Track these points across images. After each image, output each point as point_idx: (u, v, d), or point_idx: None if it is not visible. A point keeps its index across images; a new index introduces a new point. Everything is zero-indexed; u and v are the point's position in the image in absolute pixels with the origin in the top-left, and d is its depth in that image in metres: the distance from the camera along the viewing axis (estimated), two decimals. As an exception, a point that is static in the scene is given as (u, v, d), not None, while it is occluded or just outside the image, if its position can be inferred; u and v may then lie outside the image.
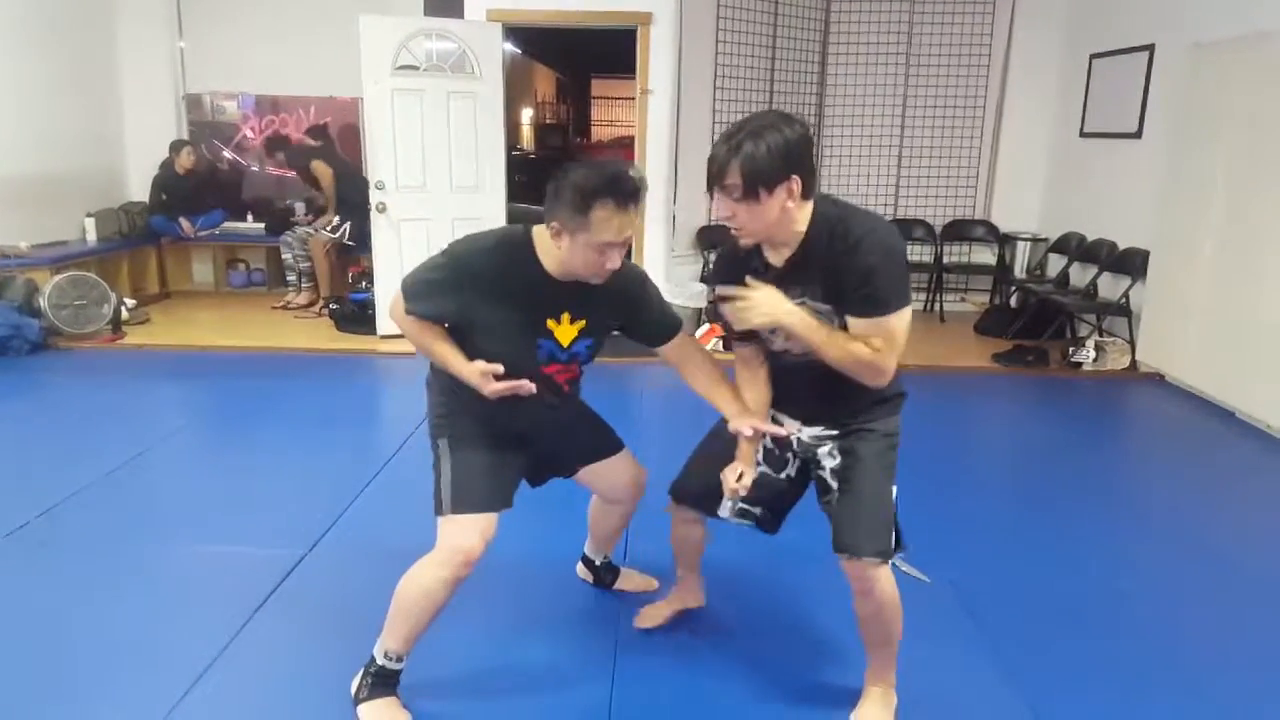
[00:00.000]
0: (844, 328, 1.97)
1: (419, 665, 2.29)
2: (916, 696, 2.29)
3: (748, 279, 1.99)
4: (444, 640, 2.43)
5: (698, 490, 2.36)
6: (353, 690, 2.22)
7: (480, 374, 2.04)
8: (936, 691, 2.35)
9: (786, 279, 1.99)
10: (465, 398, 2.18)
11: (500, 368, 2.03)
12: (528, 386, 2.04)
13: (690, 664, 2.49)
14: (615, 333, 2.28)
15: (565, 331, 2.15)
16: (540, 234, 2.09)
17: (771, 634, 2.65)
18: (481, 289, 2.06)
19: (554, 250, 2.04)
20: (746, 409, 2.14)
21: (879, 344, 1.93)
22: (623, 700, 2.32)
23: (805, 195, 1.91)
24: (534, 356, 2.13)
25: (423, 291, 2.09)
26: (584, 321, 2.16)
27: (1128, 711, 2.34)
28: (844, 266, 1.90)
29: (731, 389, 2.19)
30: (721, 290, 2.01)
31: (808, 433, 2.17)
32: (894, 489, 2.15)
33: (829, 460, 2.14)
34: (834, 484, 2.13)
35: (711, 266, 2.20)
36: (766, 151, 1.83)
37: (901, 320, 1.94)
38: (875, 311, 1.91)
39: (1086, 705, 2.35)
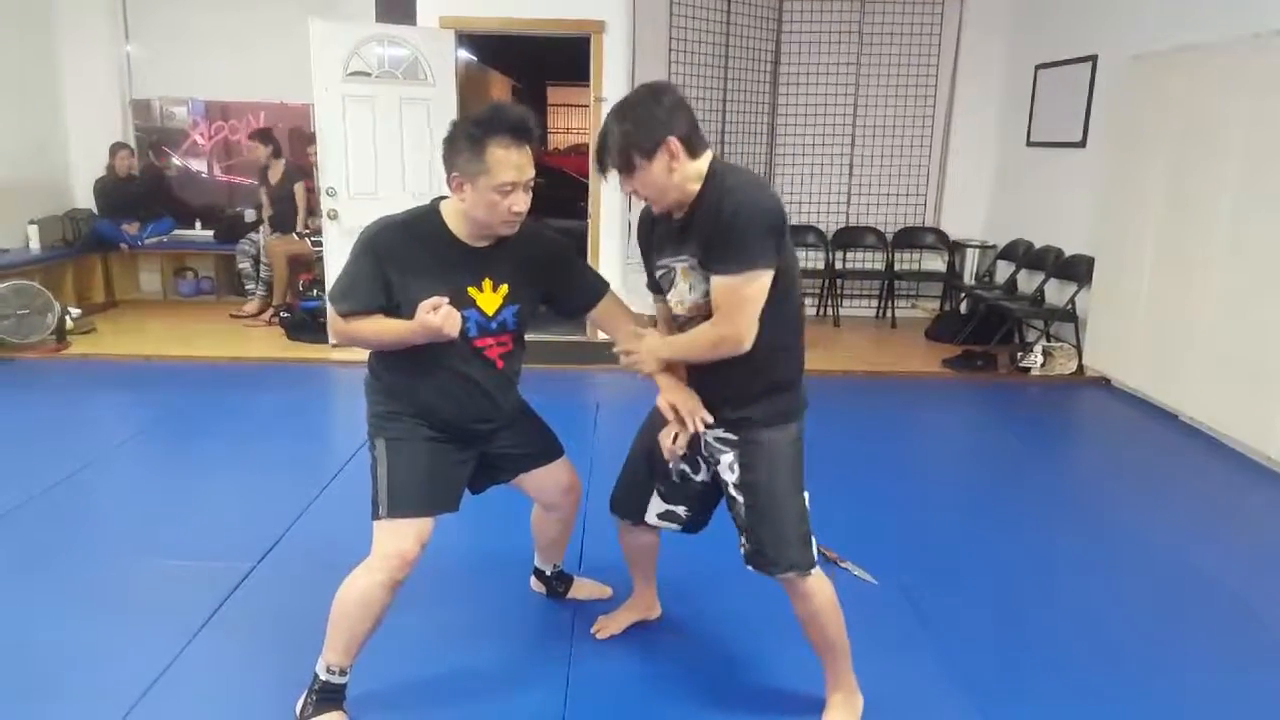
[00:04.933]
0: None
1: (368, 678, 2.27)
2: (866, 701, 2.30)
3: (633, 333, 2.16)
4: (394, 651, 2.42)
5: (623, 497, 2.41)
6: (297, 710, 2.19)
7: (425, 312, 1.96)
8: (886, 695, 2.36)
9: (680, 235, 2.06)
10: (406, 398, 2.17)
11: (443, 300, 1.98)
12: (455, 317, 1.99)
13: (645, 671, 2.49)
14: (543, 307, 2.30)
15: (489, 299, 2.14)
16: (448, 205, 2.11)
17: (727, 641, 2.66)
18: (399, 264, 2.06)
19: (460, 210, 2.06)
20: (674, 380, 2.14)
21: (725, 311, 1.95)
22: (577, 709, 2.32)
23: (691, 154, 1.97)
24: (461, 330, 2.08)
25: (347, 287, 2.08)
26: (506, 287, 2.16)
27: (1077, 713, 2.38)
28: (711, 221, 1.95)
29: None
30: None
31: (710, 434, 2.17)
32: (805, 496, 2.15)
33: (729, 475, 2.14)
34: (740, 498, 2.13)
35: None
36: (633, 124, 1.93)
37: (749, 283, 1.93)
38: (728, 267, 1.93)
39: (1036, 707, 2.39)
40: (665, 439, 2.17)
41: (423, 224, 2.12)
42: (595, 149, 2.02)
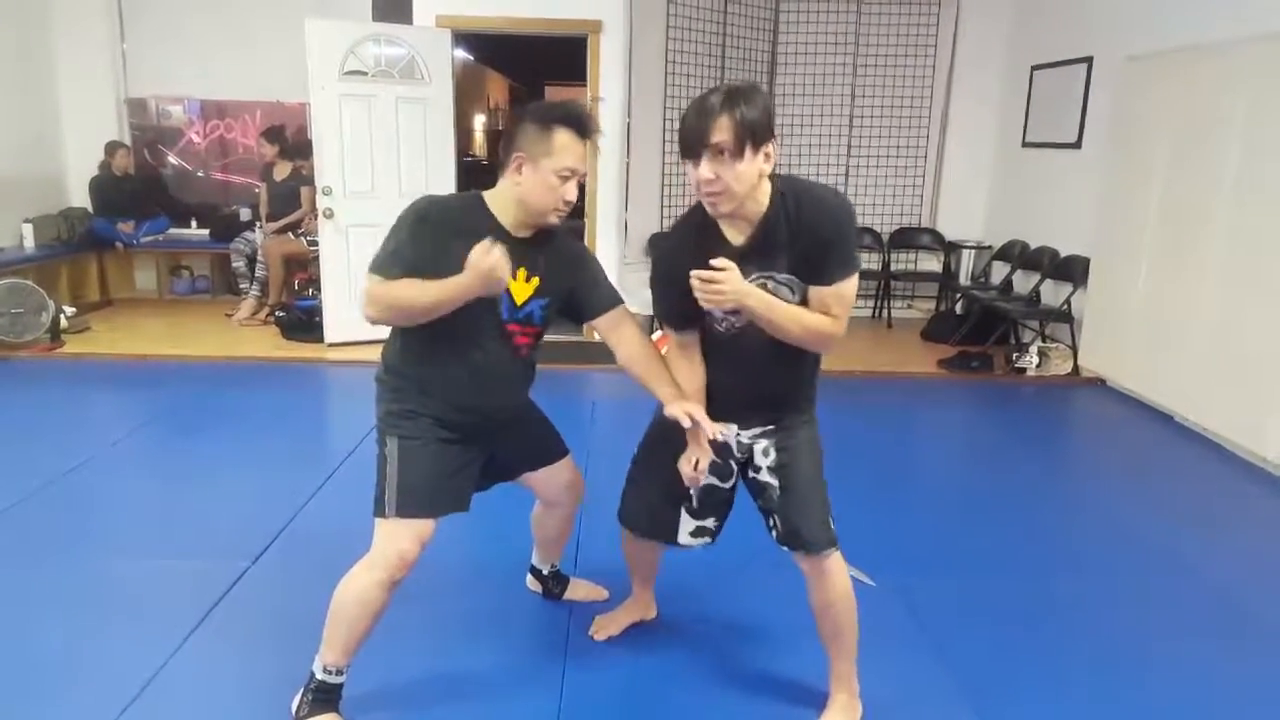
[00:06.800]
0: (804, 299, 2.01)
1: (364, 678, 2.26)
2: (864, 699, 2.30)
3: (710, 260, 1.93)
4: (390, 652, 2.42)
5: (648, 521, 2.38)
6: (293, 709, 2.18)
7: (479, 255, 1.92)
8: (883, 696, 2.36)
9: (748, 257, 1.99)
10: (425, 387, 2.16)
11: (496, 244, 1.93)
12: (506, 261, 1.95)
13: (642, 672, 2.49)
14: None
15: (520, 289, 2.15)
16: (492, 195, 2.14)
17: (724, 641, 2.66)
18: (443, 237, 2.06)
19: (512, 194, 2.09)
20: (681, 393, 2.12)
21: (837, 311, 1.99)
22: (572, 711, 2.31)
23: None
24: (494, 307, 2.10)
25: (394, 251, 2.06)
26: (538, 280, 2.17)
27: (1073, 713, 2.38)
28: (809, 236, 1.93)
29: (666, 371, 2.17)
30: (697, 273, 1.91)
31: (745, 434, 2.18)
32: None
33: (764, 459, 2.16)
34: (774, 481, 2.14)
35: (663, 242, 2.24)
36: (756, 111, 1.85)
37: (855, 283, 2.01)
38: (839, 276, 1.96)
39: (1033, 707, 2.40)
40: (686, 466, 2.14)
41: (469, 205, 2.15)
42: (700, 125, 1.86)
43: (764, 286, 2.00)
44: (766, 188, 1.96)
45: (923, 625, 2.77)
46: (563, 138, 2.04)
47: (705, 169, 1.88)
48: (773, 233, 1.97)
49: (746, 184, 1.89)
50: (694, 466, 2.14)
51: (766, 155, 1.89)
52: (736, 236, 2.01)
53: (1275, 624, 2.89)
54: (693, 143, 1.88)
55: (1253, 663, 2.66)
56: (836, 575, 2.15)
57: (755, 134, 1.84)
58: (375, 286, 2.06)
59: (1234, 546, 3.49)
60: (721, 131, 1.84)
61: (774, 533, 2.17)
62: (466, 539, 3.13)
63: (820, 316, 1.99)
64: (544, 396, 2.44)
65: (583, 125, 2.07)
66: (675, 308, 2.10)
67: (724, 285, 1.88)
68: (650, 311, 2.33)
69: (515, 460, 2.41)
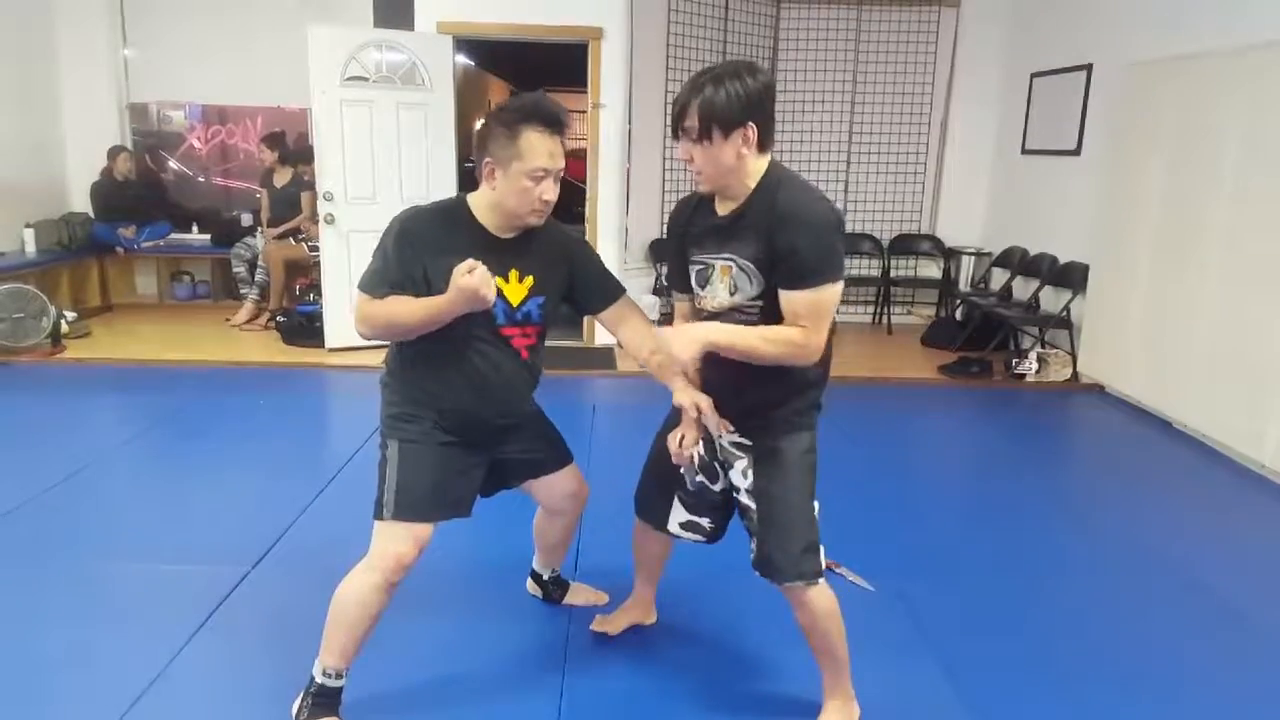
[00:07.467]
0: (767, 295, 1.98)
1: (364, 682, 2.27)
2: (863, 705, 2.30)
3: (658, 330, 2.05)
4: (389, 656, 2.42)
5: (644, 502, 2.40)
6: (293, 713, 2.18)
7: (461, 276, 1.92)
8: (883, 701, 2.37)
9: (726, 233, 2.02)
10: (427, 392, 2.16)
11: (477, 263, 1.94)
12: (490, 279, 1.95)
13: (641, 678, 2.49)
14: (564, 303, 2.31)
15: (514, 290, 2.14)
16: (475, 197, 2.13)
17: (724, 648, 2.66)
18: (428, 250, 2.06)
19: (489, 199, 2.08)
20: (689, 382, 2.12)
21: (807, 321, 1.93)
22: (571, 715, 2.31)
23: (762, 147, 1.95)
24: (489, 312, 2.08)
25: (380, 269, 2.07)
26: (531, 279, 2.16)
27: (1071, 717, 2.39)
28: (777, 234, 1.91)
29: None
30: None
31: (725, 439, 2.17)
32: (815, 505, 2.14)
33: (742, 480, 2.14)
34: (752, 504, 2.13)
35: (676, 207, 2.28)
36: (726, 96, 1.88)
37: (831, 294, 1.93)
38: (807, 283, 1.90)
39: (1031, 712, 2.40)
40: (673, 443, 2.16)
41: (452, 213, 2.14)
42: (675, 109, 1.95)
43: (728, 270, 2.02)
44: (760, 167, 1.98)
45: (921, 630, 2.78)
46: (530, 138, 1.99)
47: (681, 150, 1.99)
48: (750, 214, 1.97)
49: (719, 166, 1.95)
50: (679, 443, 2.14)
51: (745, 139, 1.91)
52: (723, 210, 2.05)
53: (1275, 630, 2.89)
54: (673, 124, 1.99)
55: (1253, 669, 2.67)
56: (815, 602, 2.12)
57: (722, 121, 1.89)
58: (364, 305, 2.09)
59: (1232, 551, 3.49)
60: (689, 117, 1.92)
61: (750, 555, 2.16)
62: (467, 542, 3.13)
63: (784, 328, 1.95)
64: (544, 401, 2.45)
65: (550, 120, 2.02)
66: (674, 267, 2.21)
67: (681, 341, 1.92)
68: (651, 316, 2.34)
69: (521, 467, 2.41)
